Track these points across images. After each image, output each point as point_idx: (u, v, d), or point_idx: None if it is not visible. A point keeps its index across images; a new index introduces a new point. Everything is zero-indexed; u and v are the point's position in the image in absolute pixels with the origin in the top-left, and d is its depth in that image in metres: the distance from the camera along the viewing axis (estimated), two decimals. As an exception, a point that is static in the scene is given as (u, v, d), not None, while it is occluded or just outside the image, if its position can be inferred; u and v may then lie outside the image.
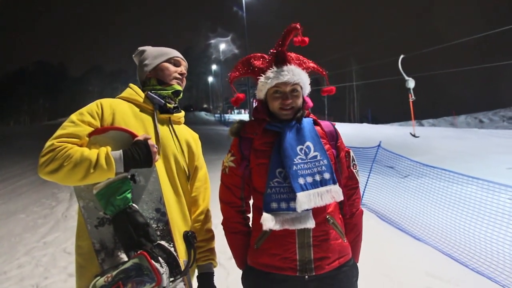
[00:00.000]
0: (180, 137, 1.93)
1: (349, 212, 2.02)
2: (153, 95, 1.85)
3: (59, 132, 1.61)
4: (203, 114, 67.77)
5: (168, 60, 1.94)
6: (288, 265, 1.80)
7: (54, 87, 78.08)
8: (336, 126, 2.05)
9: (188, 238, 1.69)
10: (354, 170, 2.03)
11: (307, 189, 1.76)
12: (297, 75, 1.89)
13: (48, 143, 1.56)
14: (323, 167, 1.81)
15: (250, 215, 2.03)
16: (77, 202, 1.64)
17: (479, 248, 4.87)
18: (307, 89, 1.98)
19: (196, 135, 2.12)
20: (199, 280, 1.92)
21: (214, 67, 76.80)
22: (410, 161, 8.02)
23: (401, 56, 18.34)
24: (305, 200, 1.74)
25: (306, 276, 1.79)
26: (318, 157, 1.83)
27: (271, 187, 1.82)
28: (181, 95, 1.97)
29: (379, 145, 8.88)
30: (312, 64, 2.03)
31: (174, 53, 1.99)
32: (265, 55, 2.02)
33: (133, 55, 2.03)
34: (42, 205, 8.22)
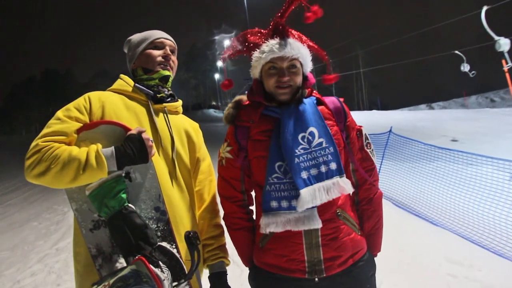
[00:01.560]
0: (178, 128, 1.79)
1: (367, 197, 1.82)
2: (140, 86, 1.72)
3: (44, 131, 1.48)
4: (211, 111, 67.77)
5: (150, 45, 1.78)
6: (296, 267, 1.64)
7: (62, 94, 78.65)
8: (345, 105, 1.82)
9: (190, 239, 1.53)
10: (368, 150, 1.81)
11: (311, 184, 1.57)
12: (296, 49, 1.67)
13: (33, 144, 1.44)
14: (329, 155, 1.61)
15: (254, 208, 1.87)
16: (70, 205, 1.52)
17: (499, 230, 4.73)
18: (308, 65, 1.74)
19: (196, 125, 1.96)
20: (211, 280, 1.78)
21: (219, 63, 76.64)
22: (423, 145, 7.86)
23: (484, 8, 13.48)
24: (309, 198, 1.55)
25: (316, 279, 1.63)
26: (324, 144, 1.62)
27: (270, 183, 1.64)
28: (169, 80, 1.81)
29: (390, 131, 8.73)
30: (313, 45, 1.79)
31: (155, 34, 1.81)
32: (262, 30, 1.80)
33: (124, 47, 1.90)
34: (54, 211, 8.20)
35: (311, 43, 1.79)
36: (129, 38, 1.86)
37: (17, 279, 4.74)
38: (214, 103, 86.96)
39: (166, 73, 1.77)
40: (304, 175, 1.58)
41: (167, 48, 1.80)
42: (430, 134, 15.90)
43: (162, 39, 1.81)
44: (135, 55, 1.78)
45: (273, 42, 1.67)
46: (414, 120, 21.78)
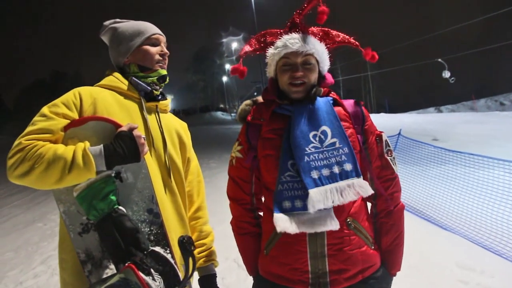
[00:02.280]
0: (169, 127, 1.70)
1: (385, 209, 1.68)
2: (138, 81, 1.62)
3: (28, 128, 1.38)
4: (219, 113, 67.77)
5: (147, 40, 1.66)
6: (298, 277, 1.53)
7: (71, 96, 79.13)
8: (364, 108, 1.72)
9: (184, 244, 1.43)
10: (388, 158, 1.67)
11: (322, 184, 1.46)
12: (310, 44, 1.59)
13: (15, 142, 1.34)
14: (343, 156, 1.50)
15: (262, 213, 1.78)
16: (57, 207, 1.43)
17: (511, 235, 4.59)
18: (325, 63, 1.66)
19: (185, 124, 1.87)
20: (201, 284, 1.73)
21: (227, 66, 76.72)
22: (433, 148, 7.74)
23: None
24: (320, 198, 1.44)
25: None
26: (337, 145, 1.52)
27: (283, 182, 1.53)
28: (167, 79, 1.71)
29: (399, 133, 8.63)
30: (341, 38, 1.72)
31: (151, 29, 1.69)
32: (281, 30, 1.71)
33: (100, 34, 1.75)
34: (60, 212, 8.17)
35: (339, 38, 1.71)
36: (112, 25, 1.72)
37: (20, 281, 4.70)
38: (221, 105, 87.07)
39: (164, 72, 1.69)
40: (314, 174, 1.48)
41: (163, 45, 1.72)
42: (440, 137, 15.76)
43: (158, 35, 1.70)
44: (129, 49, 1.66)
45: (287, 37, 1.60)
46: (423, 123, 21.62)
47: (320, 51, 1.62)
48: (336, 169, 1.49)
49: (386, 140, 1.70)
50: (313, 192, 1.45)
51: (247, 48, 1.74)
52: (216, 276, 1.78)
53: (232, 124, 41.02)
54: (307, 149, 1.51)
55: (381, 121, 23.75)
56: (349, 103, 1.69)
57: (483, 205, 5.46)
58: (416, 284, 3.70)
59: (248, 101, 1.81)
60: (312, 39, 1.61)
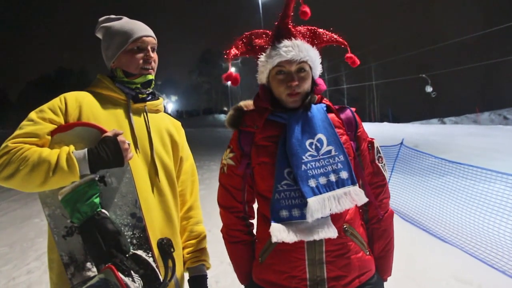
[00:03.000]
0: (159, 127, 1.69)
1: (376, 216, 1.68)
2: (122, 86, 1.62)
3: (15, 132, 1.40)
4: (222, 116, 67.87)
5: (132, 44, 1.62)
6: (296, 285, 1.50)
7: (76, 93, 79.52)
8: (357, 115, 1.71)
9: (163, 246, 1.46)
10: (379, 165, 1.68)
11: (320, 193, 1.46)
12: (304, 51, 1.56)
13: (2, 145, 1.36)
14: (339, 164, 1.50)
15: (255, 221, 1.75)
16: (43, 210, 1.43)
17: (511, 250, 4.57)
18: (317, 69, 1.64)
19: (178, 123, 1.86)
20: (190, 284, 1.70)
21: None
22: (434, 159, 7.72)
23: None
24: (318, 206, 1.43)
25: None
26: (333, 152, 1.51)
27: (279, 191, 1.51)
28: (152, 84, 1.69)
29: (401, 143, 8.61)
30: (329, 37, 1.69)
31: (135, 32, 1.64)
32: (268, 32, 1.69)
33: (95, 31, 1.74)
34: (57, 209, 8.16)
35: (328, 37, 1.69)
36: (104, 24, 1.70)
37: (13, 276, 4.70)
38: (225, 108, 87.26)
39: (149, 77, 1.66)
40: (312, 183, 1.47)
41: (149, 48, 1.66)
42: (442, 148, 15.73)
43: (144, 38, 1.65)
44: (113, 55, 1.65)
45: (280, 45, 1.57)
46: (425, 134, 21.61)
47: (313, 57, 1.60)
48: (332, 177, 1.49)
49: (377, 147, 1.71)
50: (312, 201, 1.44)
51: (234, 51, 1.69)
52: (207, 277, 1.74)
53: (235, 127, 41.05)
54: (304, 157, 1.50)
55: (384, 130, 23.74)
56: (341, 110, 1.69)
57: (483, 218, 5.43)
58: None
59: (235, 106, 1.78)
60: (305, 45, 1.58)
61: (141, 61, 1.62)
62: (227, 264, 4.04)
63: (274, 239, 1.46)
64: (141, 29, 1.66)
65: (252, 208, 1.75)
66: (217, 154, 15.56)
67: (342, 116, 1.66)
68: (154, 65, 1.69)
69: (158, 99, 1.74)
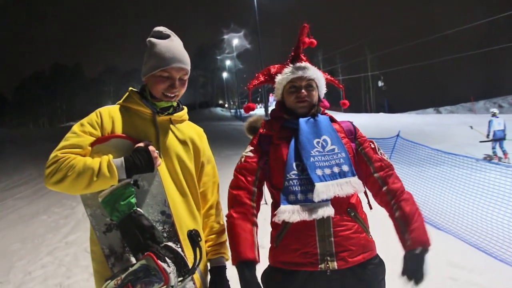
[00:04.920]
0: (183, 136, 1.91)
1: (399, 189, 1.88)
2: (146, 102, 1.81)
3: (62, 143, 1.64)
4: (219, 110, 67.92)
5: (160, 72, 1.77)
6: (308, 259, 1.75)
7: (70, 89, 79.15)
8: (354, 123, 2.06)
9: (192, 236, 1.67)
10: (384, 157, 1.98)
11: (326, 180, 1.75)
12: (312, 70, 1.95)
13: (52, 155, 1.60)
14: (341, 159, 1.81)
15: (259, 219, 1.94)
16: (85, 210, 1.68)
17: (502, 236, 4.79)
18: (323, 88, 2.03)
19: (201, 130, 2.07)
20: (211, 274, 1.91)
21: (228, 62, 76.74)
22: (430, 149, 7.90)
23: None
24: (324, 189, 1.72)
25: (328, 271, 1.73)
26: (336, 150, 1.83)
27: (288, 179, 1.79)
28: (170, 110, 1.87)
29: (398, 135, 8.79)
30: (328, 76, 2.10)
31: (169, 62, 1.78)
32: (283, 65, 2.06)
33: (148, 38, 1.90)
34: (63, 206, 8.36)
35: (327, 76, 2.10)
36: (152, 39, 1.84)
37: (28, 271, 4.89)
38: (221, 101, 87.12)
39: (165, 105, 1.83)
40: (319, 172, 1.77)
41: (176, 79, 1.80)
42: (438, 138, 15.90)
43: (174, 69, 1.78)
44: (145, 74, 1.83)
45: (294, 65, 1.97)
46: (421, 124, 21.79)
47: (319, 77, 1.99)
48: (336, 169, 1.79)
49: (377, 146, 2.01)
50: (319, 185, 1.73)
51: (255, 82, 2.11)
52: (226, 268, 1.95)
53: (231, 120, 41.21)
54: (312, 152, 1.81)
55: (380, 121, 23.93)
56: (342, 122, 2.03)
57: (477, 206, 5.65)
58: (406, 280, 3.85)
59: (250, 122, 2.21)
60: (313, 68, 1.98)
61: (164, 89, 1.80)
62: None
63: (276, 219, 1.77)
64: (176, 59, 1.79)
65: (260, 197, 1.95)
66: (215, 148, 15.72)
67: (343, 125, 2.01)
68: (178, 93, 1.85)
69: (182, 109, 1.95)
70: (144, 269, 1.46)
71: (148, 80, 1.83)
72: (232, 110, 62.40)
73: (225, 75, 77.35)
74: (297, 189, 1.77)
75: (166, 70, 1.77)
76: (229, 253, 1.90)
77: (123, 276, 1.47)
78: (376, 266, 1.85)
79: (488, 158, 12.07)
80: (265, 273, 1.93)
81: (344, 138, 1.92)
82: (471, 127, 14.83)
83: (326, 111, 2.06)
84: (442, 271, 4.09)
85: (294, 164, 1.81)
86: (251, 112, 2.29)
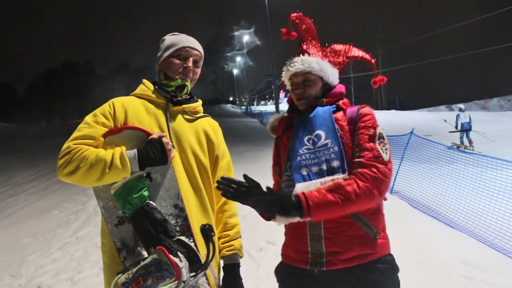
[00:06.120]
0: (197, 128, 1.87)
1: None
2: (159, 89, 1.82)
3: (74, 134, 1.62)
4: (229, 106, 67.91)
5: (176, 52, 1.84)
6: (300, 256, 1.73)
7: (82, 86, 79.76)
8: (364, 109, 1.79)
9: (205, 231, 1.65)
10: (379, 147, 1.66)
11: (309, 180, 1.64)
12: (307, 63, 1.84)
13: (64, 146, 1.58)
14: (332, 154, 1.66)
15: None
16: (97, 202, 1.65)
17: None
18: (330, 76, 1.88)
19: (216, 123, 2.04)
20: (224, 271, 1.87)
21: (238, 59, 76.74)
22: (443, 147, 7.82)
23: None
24: (303, 190, 1.60)
25: (316, 270, 1.68)
26: (329, 145, 1.69)
27: (284, 180, 1.79)
28: (185, 89, 1.86)
29: (411, 132, 8.70)
30: (355, 54, 1.97)
31: (182, 42, 1.86)
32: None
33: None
34: (74, 201, 8.41)
35: (352, 54, 1.97)
36: (164, 37, 1.93)
37: (40, 265, 4.93)
38: (231, 98, 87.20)
39: (182, 82, 1.84)
40: (304, 171, 1.68)
41: (191, 59, 1.86)
42: (450, 136, 15.72)
43: (188, 49, 1.86)
44: (160, 58, 1.86)
45: (289, 62, 1.90)
46: (433, 121, 21.56)
47: (318, 68, 1.84)
48: (324, 166, 1.66)
49: (380, 133, 1.72)
50: (298, 186, 1.64)
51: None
52: (240, 266, 1.90)
53: (242, 117, 41.15)
54: (300, 151, 1.74)
55: (391, 118, 23.73)
56: (349, 109, 1.83)
57: (490, 204, 5.56)
58: (420, 278, 3.81)
59: (273, 118, 2.08)
60: (310, 58, 1.85)
61: (180, 68, 1.83)
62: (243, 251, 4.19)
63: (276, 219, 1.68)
64: (189, 41, 1.87)
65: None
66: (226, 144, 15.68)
67: (348, 114, 1.81)
68: (192, 76, 1.88)
69: (197, 101, 1.93)
70: (156, 264, 1.43)
71: (162, 65, 1.85)
72: (243, 107, 62.34)
73: (235, 71, 77.35)
74: (289, 191, 1.69)
75: (180, 51, 1.83)
76: (243, 251, 1.90)
77: (134, 270, 1.44)
78: (380, 270, 1.65)
79: (455, 146, 14.07)
80: (276, 268, 1.92)
81: (344, 128, 1.74)
82: (445, 120, 17.04)
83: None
84: (456, 270, 4.03)
85: (288, 165, 1.79)
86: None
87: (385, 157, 1.66)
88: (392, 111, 37.52)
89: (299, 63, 1.84)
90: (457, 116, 15.62)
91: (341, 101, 1.88)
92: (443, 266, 4.10)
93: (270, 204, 1.56)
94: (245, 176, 1.59)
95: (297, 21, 1.95)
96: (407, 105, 54.55)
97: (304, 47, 1.92)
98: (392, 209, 1.73)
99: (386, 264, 1.70)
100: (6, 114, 69.67)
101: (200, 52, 1.90)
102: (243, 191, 1.55)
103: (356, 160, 1.67)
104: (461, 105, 16.78)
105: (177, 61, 1.83)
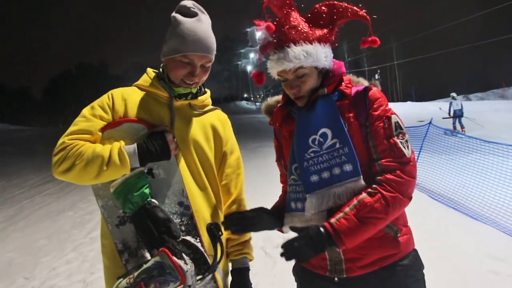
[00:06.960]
0: (204, 123, 1.71)
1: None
2: (164, 84, 1.64)
3: (70, 128, 1.51)
4: (244, 103, 67.92)
5: (181, 57, 1.57)
6: (319, 263, 1.59)
7: (97, 87, 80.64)
8: (372, 92, 1.57)
9: (212, 230, 1.53)
10: (398, 140, 1.49)
11: (320, 188, 1.48)
12: (297, 57, 1.52)
13: (59, 141, 1.47)
14: (343, 157, 1.47)
15: None
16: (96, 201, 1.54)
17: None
18: (322, 61, 1.57)
19: (225, 116, 1.86)
20: (232, 276, 1.74)
21: (252, 55, 76.63)
22: (464, 137, 7.63)
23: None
24: (315, 202, 1.48)
25: (336, 278, 1.55)
26: (337, 145, 1.49)
27: (290, 185, 1.64)
28: (188, 97, 1.68)
29: (430, 123, 8.57)
30: (345, 14, 1.61)
31: (191, 48, 1.56)
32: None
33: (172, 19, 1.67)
34: (89, 201, 8.40)
35: (343, 13, 1.62)
36: (178, 18, 1.61)
37: (53, 267, 4.90)
38: (246, 95, 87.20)
39: (183, 91, 1.65)
40: (313, 178, 1.50)
41: (197, 67, 1.60)
42: (468, 126, 15.44)
43: (195, 56, 1.58)
44: (164, 55, 1.63)
45: (275, 57, 1.58)
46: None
47: (309, 60, 1.54)
48: (336, 171, 1.49)
49: (396, 122, 1.54)
50: (310, 197, 1.51)
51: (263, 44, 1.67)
52: (249, 269, 1.76)
53: (256, 113, 41.10)
54: (306, 155, 1.54)
55: (405, 109, 23.40)
56: (355, 91, 1.60)
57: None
58: (444, 273, 3.66)
59: (274, 98, 1.86)
60: (297, 50, 1.53)
61: (183, 75, 1.60)
62: (259, 249, 4.06)
63: (284, 228, 1.67)
64: (199, 45, 1.58)
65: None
66: (240, 140, 15.60)
67: (355, 99, 1.58)
68: (199, 81, 1.65)
69: (205, 93, 1.76)
70: (159, 267, 1.32)
71: (167, 62, 1.63)
72: (257, 104, 62.28)
73: (249, 68, 77.28)
74: (294, 197, 1.60)
75: (187, 56, 1.56)
76: (253, 253, 1.78)
77: (136, 274, 1.34)
78: (404, 268, 1.53)
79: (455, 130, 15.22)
80: (294, 266, 1.79)
81: (352, 122, 1.53)
82: (440, 108, 18.57)
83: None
84: (482, 264, 3.87)
85: (293, 168, 1.61)
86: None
87: (407, 152, 1.48)
88: (408, 102, 36.99)
89: (286, 59, 1.53)
90: (450, 103, 16.88)
91: (343, 83, 1.63)
92: (468, 260, 3.95)
93: (301, 250, 1.38)
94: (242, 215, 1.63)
95: (270, 4, 1.65)
96: (423, 96, 53.83)
97: (286, 31, 1.58)
98: (412, 202, 1.59)
99: (410, 262, 1.56)
100: (24, 118, 70.78)
101: (211, 57, 1.65)
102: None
103: (376, 162, 1.49)
104: (454, 94, 17.95)
105: (181, 71, 1.59)
